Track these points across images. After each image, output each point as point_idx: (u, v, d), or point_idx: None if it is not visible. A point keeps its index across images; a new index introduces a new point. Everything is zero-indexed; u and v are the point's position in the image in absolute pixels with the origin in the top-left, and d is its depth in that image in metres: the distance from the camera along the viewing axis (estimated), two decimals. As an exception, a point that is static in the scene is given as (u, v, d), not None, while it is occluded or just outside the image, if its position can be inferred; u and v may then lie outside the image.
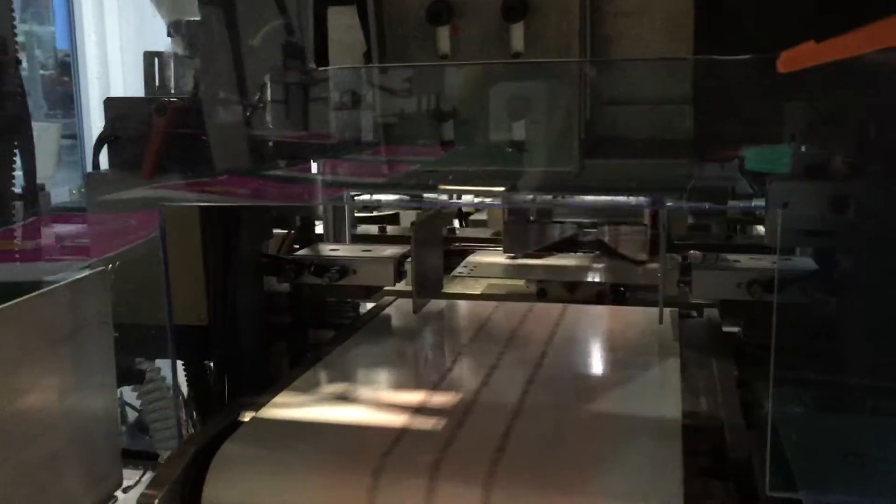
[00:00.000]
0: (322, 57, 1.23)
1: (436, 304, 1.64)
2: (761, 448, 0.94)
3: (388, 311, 1.67)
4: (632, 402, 1.20)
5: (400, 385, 1.27)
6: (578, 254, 1.84)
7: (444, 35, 1.10)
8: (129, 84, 4.23)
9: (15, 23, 1.31)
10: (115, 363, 1.07)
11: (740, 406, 1.16)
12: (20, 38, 1.34)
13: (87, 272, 1.01)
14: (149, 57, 1.99)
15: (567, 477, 0.96)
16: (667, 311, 1.49)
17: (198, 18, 1.33)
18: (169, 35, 1.43)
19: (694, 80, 1.20)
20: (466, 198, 1.90)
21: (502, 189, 1.32)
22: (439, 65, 1.13)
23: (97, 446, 1.05)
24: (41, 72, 4.86)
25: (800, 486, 0.90)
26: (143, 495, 0.99)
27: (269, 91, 1.31)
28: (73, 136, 4.53)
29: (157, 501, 0.97)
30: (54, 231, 1.37)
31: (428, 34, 1.12)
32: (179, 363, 1.50)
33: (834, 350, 1.25)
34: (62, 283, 0.96)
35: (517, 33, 1.08)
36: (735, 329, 1.53)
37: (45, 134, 3.80)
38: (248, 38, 1.27)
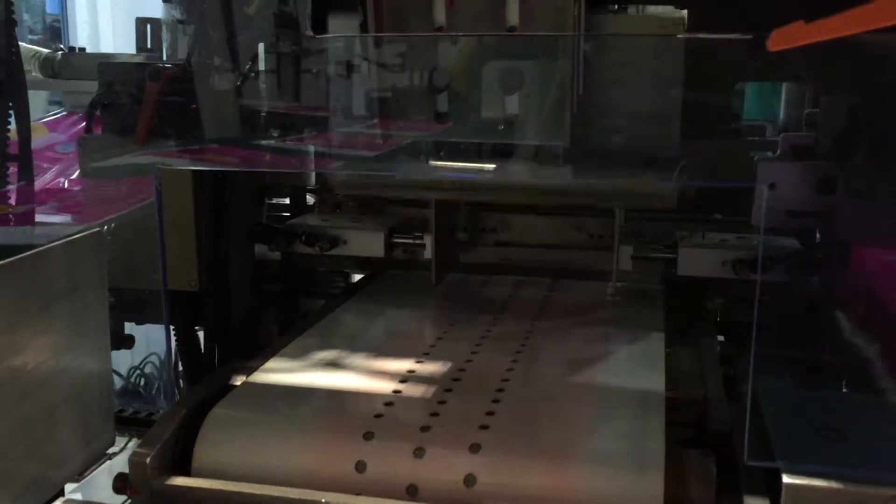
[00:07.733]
0: (320, 24, 1.23)
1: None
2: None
3: (380, 280, 1.68)
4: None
5: (391, 352, 1.28)
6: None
7: (440, 7, 1.11)
8: (120, 51, 4.18)
9: (9, -17, 1.30)
10: (108, 323, 1.08)
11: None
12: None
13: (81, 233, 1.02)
14: (141, 23, 1.98)
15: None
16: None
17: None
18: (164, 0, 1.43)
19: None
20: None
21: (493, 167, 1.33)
22: (433, 35, 1.14)
23: (91, 405, 1.06)
24: (30, 37, 4.80)
25: (777, 457, 0.92)
26: (134, 453, 1.00)
27: (261, 59, 1.30)
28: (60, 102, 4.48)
29: (148, 459, 0.99)
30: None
31: (424, 6, 1.13)
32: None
33: (814, 327, 1.27)
34: (57, 242, 0.97)
35: (512, 7, 1.09)
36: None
37: (31, 100, 3.75)
38: (242, 3, 1.26)
